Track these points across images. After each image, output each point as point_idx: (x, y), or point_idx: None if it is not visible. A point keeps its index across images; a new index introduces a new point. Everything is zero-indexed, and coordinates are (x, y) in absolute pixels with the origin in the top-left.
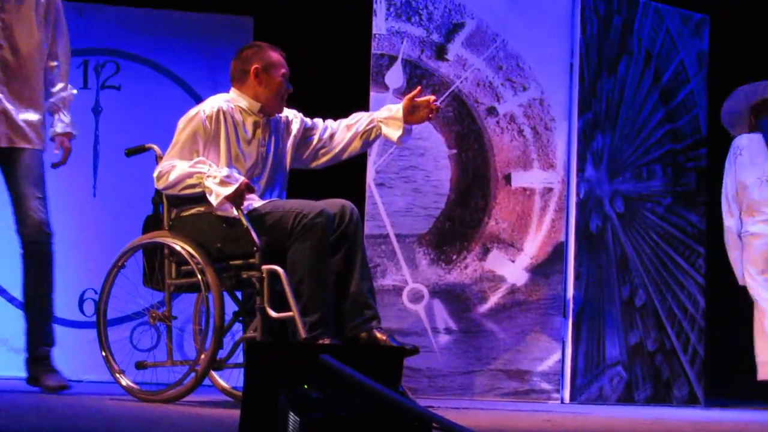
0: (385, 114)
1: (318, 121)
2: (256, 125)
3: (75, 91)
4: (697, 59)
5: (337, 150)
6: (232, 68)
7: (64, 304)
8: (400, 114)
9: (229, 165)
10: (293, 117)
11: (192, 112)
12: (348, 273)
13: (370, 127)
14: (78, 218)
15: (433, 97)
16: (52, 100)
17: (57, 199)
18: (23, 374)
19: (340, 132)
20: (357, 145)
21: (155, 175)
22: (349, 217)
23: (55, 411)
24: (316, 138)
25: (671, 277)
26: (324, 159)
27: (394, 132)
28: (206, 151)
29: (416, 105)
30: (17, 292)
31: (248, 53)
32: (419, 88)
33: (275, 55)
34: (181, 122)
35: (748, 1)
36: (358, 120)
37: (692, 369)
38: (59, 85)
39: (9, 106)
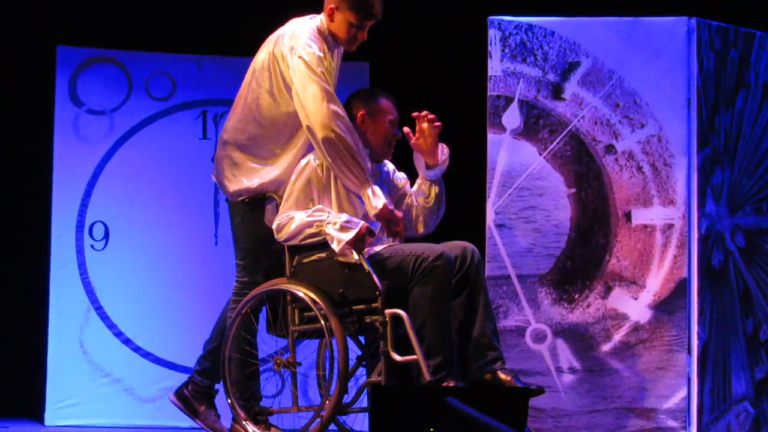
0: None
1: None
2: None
3: None
4: None
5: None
6: None
7: (188, 353)
8: (415, 154)
9: (342, 212)
10: (398, 172)
11: (303, 161)
12: (471, 315)
13: (417, 183)
14: (201, 267)
15: (414, 114)
16: None
17: (179, 248)
18: (149, 422)
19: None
20: (422, 202)
21: (274, 227)
22: (471, 258)
23: None
24: (408, 200)
25: None
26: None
27: (421, 170)
28: (321, 199)
29: (419, 137)
30: (142, 341)
31: (356, 99)
32: (405, 129)
33: (383, 101)
34: (294, 173)
35: None
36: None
37: None
38: None
39: None
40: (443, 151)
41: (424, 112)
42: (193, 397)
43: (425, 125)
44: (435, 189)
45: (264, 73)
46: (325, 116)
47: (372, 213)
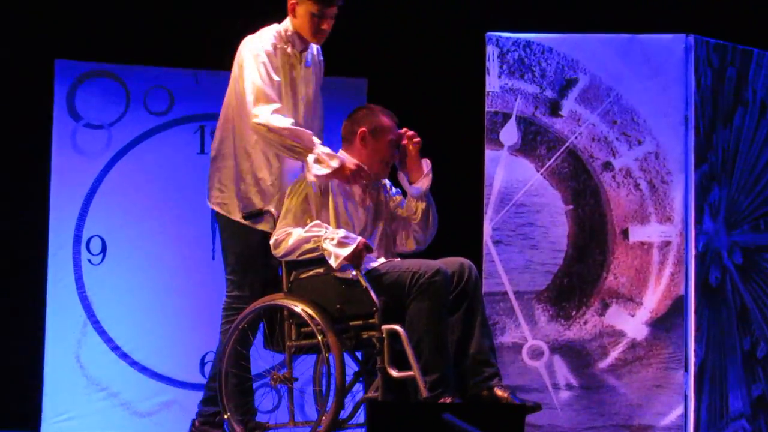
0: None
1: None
2: (363, 188)
3: None
4: None
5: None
6: (343, 128)
7: (185, 367)
8: (399, 172)
9: (339, 227)
10: (393, 189)
11: (300, 177)
12: (468, 331)
13: (406, 200)
14: (198, 282)
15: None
16: None
17: (177, 262)
18: None
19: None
20: (410, 218)
21: (272, 243)
22: (468, 274)
23: None
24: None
25: None
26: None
27: (406, 187)
28: (318, 215)
29: (403, 156)
30: (138, 356)
31: (359, 115)
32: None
33: (385, 120)
34: (291, 188)
35: None
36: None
37: None
38: None
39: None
40: (426, 166)
41: (403, 130)
42: (202, 430)
43: (405, 142)
44: (421, 205)
45: (237, 82)
46: (250, 110)
47: (310, 178)
